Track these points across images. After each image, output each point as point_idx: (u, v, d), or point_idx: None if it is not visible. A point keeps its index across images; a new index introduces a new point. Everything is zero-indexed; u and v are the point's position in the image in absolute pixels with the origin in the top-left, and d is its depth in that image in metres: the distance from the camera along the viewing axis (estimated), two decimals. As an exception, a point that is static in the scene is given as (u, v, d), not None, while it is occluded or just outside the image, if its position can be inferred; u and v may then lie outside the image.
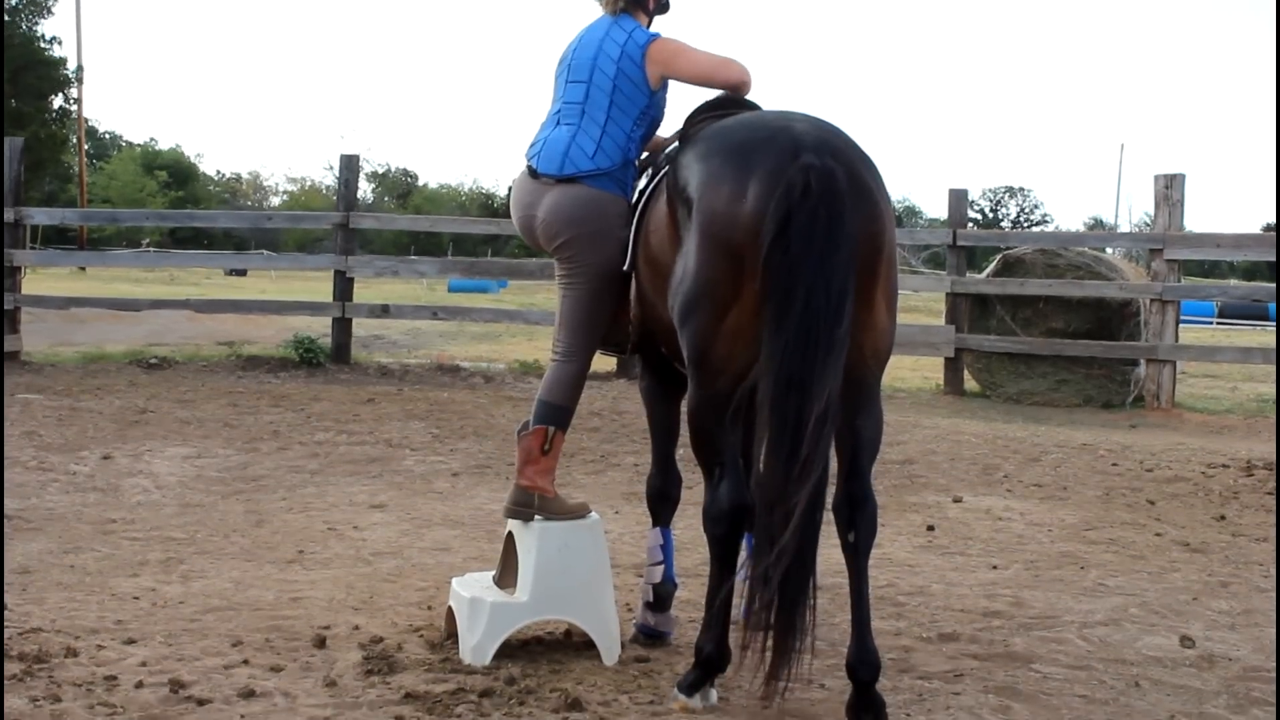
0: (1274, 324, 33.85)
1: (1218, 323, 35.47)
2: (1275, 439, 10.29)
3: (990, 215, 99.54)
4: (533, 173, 4.85)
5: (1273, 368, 14.10)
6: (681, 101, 5.01)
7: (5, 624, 4.66)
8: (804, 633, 3.76)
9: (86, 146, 55.63)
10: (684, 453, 4.76)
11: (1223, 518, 7.60)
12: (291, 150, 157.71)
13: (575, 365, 4.84)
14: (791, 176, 3.78)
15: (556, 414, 4.79)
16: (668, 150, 4.85)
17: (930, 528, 7.11)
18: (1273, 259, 13.74)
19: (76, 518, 6.80)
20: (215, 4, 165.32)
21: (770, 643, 3.75)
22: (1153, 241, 13.53)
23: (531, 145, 4.93)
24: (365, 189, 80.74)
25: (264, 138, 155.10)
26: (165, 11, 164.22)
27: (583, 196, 4.74)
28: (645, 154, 4.98)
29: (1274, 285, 18.16)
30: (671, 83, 4.91)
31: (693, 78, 4.83)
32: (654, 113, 4.89)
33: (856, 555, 4.03)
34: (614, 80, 4.78)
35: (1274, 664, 4.80)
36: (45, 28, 48.71)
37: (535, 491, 4.70)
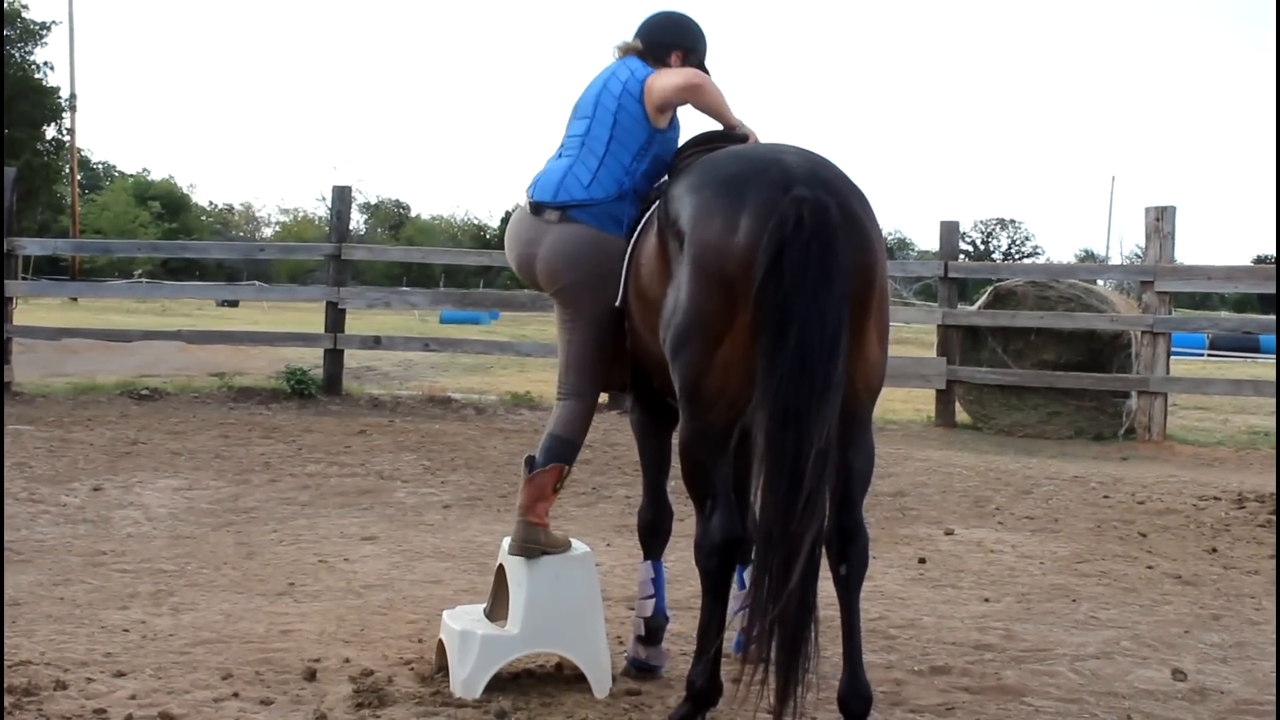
0: (1263, 356, 34.00)
1: (1209, 355, 35.56)
2: (1276, 470, 10.28)
3: (982, 247, 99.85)
4: (534, 207, 4.85)
5: (1263, 399, 14.14)
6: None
7: (-6, 657, 4.64)
8: (807, 668, 3.74)
9: (79, 177, 55.68)
10: (675, 485, 4.76)
11: (1214, 550, 7.61)
12: (284, 181, 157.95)
13: (586, 403, 4.84)
14: (784, 209, 3.78)
15: (567, 449, 4.79)
16: (658, 184, 4.87)
17: (922, 560, 7.11)
18: (1263, 291, 13.78)
19: (66, 549, 6.77)
20: (209, 35, 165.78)
21: (773, 678, 3.72)
22: (1144, 274, 13.58)
23: (532, 179, 4.95)
24: (358, 220, 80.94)
25: (257, 169, 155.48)
26: (159, 42, 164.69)
27: (584, 237, 4.74)
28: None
29: (1264, 317, 18.24)
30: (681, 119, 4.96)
31: (662, 98, 4.83)
32: (658, 149, 4.88)
33: (848, 588, 4.03)
34: (615, 115, 4.81)
35: (1266, 697, 4.80)
36: (39, 56, 48.77)
37: (542, 528, 4.70)
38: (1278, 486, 9.18)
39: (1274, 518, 8.50)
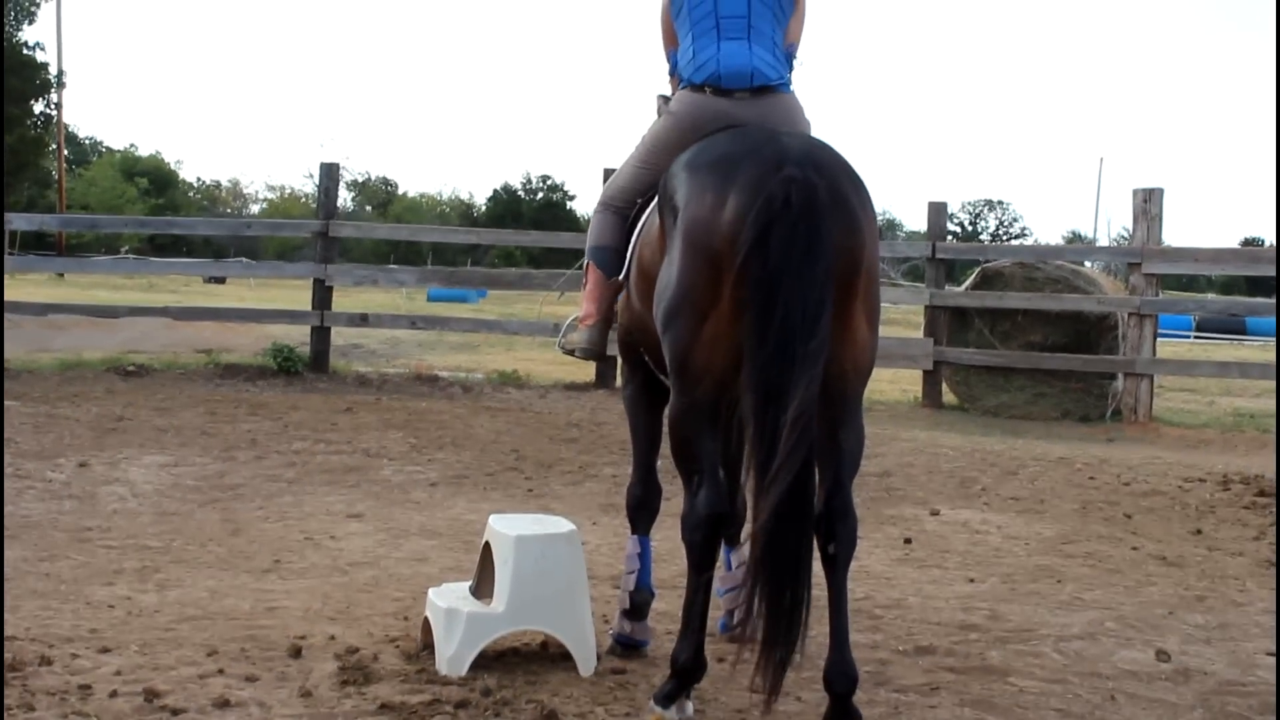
0: (1250, 338, 34.09)
1: (1195, 337, 35.64)
2: (1275, 453, 10.29)
3: (969, 228, 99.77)
4: (718, 91, 4.68)
5: (1249, 382, 14.19)
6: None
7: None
8: (789, 646, 3.74)
9: (66, 152, 55.43)
10: (663, 464, 4.76)
11: (1199, 532, 7.63)
12: (271, 158, 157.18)
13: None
14: (772, 188, 3.80)
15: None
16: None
17: (907, 540, 7.12)
18: (1250, 274, 13.86)
19: (52, 525, 6.76)
20: (197, 11, 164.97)
21: (755, 655, 3.74)
22: (1131, 256, 13.60)
23: (691, 65, 4.75)
24: (345, 197, 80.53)
25: (244, 145, 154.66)
26: (147, 18, 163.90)
27: (792, 103, 4.72)
28: None
29: (1251, 300, 18.28)
30: None
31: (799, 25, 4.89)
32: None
33: (835, 568, 4.03)
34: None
35: (1249, 678, 4.82)
36: (28, 34, 48.45)
37: (577, 323, 5.10)
38: (1278, 467, 9.20)
39: (1258, 499, 8.53)
